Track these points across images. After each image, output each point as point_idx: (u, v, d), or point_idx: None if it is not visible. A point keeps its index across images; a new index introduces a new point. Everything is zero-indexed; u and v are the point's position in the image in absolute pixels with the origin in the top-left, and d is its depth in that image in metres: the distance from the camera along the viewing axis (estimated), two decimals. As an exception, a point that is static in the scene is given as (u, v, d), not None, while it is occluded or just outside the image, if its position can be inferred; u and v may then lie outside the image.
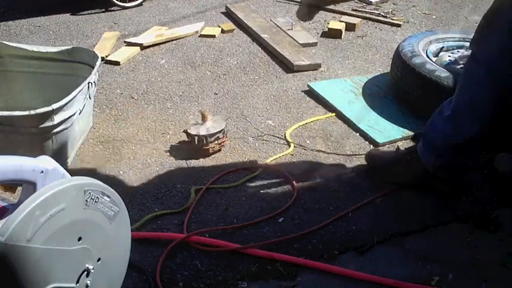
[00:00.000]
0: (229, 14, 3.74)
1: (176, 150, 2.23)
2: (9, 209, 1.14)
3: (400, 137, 2.33)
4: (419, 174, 1.95)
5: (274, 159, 2.18)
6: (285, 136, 2.33)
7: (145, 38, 3.26)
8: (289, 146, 2.26)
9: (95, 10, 3.77)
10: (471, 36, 1.78)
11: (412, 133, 2.36)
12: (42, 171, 1.14)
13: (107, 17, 3.67)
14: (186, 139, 2.23)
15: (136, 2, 3.86)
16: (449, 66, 2.46)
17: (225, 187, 2.01)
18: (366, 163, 2.14)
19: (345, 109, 2.52)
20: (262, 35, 3.29)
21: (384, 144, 2.29)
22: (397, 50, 2.59)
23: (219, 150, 2.21)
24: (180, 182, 2.04)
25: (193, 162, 2.15)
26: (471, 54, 1.79)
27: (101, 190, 1.20)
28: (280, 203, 1.94)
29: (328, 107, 2.58)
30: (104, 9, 3.78)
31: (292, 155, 2.21)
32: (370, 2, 4.08)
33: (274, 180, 2.06)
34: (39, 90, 2.34)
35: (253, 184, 2.04)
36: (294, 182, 2.03)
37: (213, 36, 3.35)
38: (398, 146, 2.18)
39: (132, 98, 2.64)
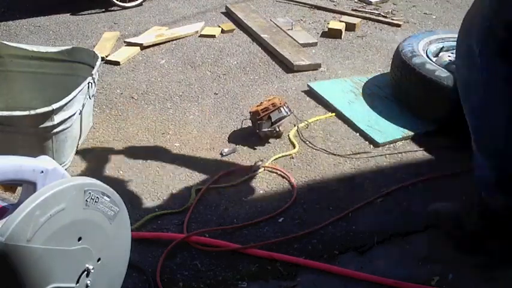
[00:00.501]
0: (229, 14, 3.74)
1: (176, 150, 2.24)
2: (9, 209, 1.14)
3: (400, 137, 2.33)
4: (494, 227, 1.63)
5: (275, 159, 2.17)
6: (288, 137, 2.32)
7: (145, 38, 3.26)
8: (294, 146, 2.26)
9: (95, 10, 3.77)
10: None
11: (412, 133, 2.36)
12: (42, 171, 1.14)
13: (107, 17, 3.67)
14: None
15: (136, 2, 3.86)
16: (449, 66, 2.46)
17: (226, 186, 2.01)
18: (435, 222, 1.82)
19: (345, 109, 2.51)
20: (262, 35, 3.29)
21: (384, 144, 2.29)
22: (397, 50, 2.59)
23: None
24: (180, 182, 2.04)
25: (194, 162, 2.16)
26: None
27: (101, 190, 1.20)
28: (280, 203, 1.94)
29: (328, 107, 2.58)
30: (104, 9, 3.78)
31: (295, 154, 2.21)
32: (370, 2, 4.08)
33: (274, 180, 2.06)
34: (39, 90, 2.34)
35: (253, 184, 2.04)
36: (294, 182, 2.03)
37: (213, 36, 3.35)
38: (465, 197, 1.81)
39: (132, 98, 2.64)
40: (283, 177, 2.08)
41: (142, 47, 3.17)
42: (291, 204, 1.91)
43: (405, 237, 1.78)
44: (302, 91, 2.73)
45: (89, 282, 1.19)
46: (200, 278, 1.61)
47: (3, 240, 0.99)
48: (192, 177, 2.06)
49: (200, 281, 1.60)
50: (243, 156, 2.21)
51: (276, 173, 2.10)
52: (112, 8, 3.80)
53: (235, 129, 2.39)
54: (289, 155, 2.21)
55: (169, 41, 3.26)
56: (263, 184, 2.04)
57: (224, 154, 2.20)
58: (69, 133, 2.03)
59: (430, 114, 2.38)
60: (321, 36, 3.42)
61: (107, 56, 3.02)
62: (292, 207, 1.91)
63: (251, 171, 2.10)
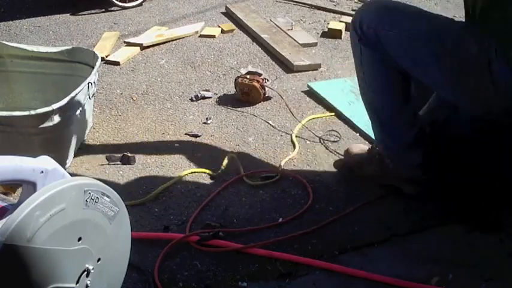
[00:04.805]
0: (229, 14, 3.74)
1: (176, 150, 2.24)
2: (9, 209, 1.14)
3: (400, 137, 2.33)
4: (387, 174, 1.94)
5: (285, 162, 2.15)
6: (291, 138, 2.32)
7: (145, 38, 3.26)
8: (294, 147, 2.26)
9: (95, 10, 3.77)
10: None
11: (412, 133, 2.35)
12: (42, 171, 1.14)
13: (107, 17, 3.67)
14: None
15: (136, 2, 3.86)
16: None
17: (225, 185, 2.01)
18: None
19: (345, 109, 2.51)
20: (262, 35, 3.29)
21: (383, 144, 2.29)
22: (397, 50, 2.58)
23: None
24: (180, 182, 2.04)
25: (195, 163, 2.16)
26: None
27: (100, 190, 1.20)
28: (280, 202, 1.94)
29: (328, 107, 2.58)
30: (104, 9, 3.78)
31: (297, 156, 2.21)
32: (370, 2, 4.07)
33: (275, 181, 2.06)
34: (39, 91, 2.34)
35: (253, 184, 2.04)
36: (307, 184, 2.02)
37: (213, 36, 3.35)
38: (372, 145, 2.11)
39: (132, 98, 2.64)
40: (298, 182, 2.08)
41: (142, 47, 3.17)
42: (306, 209, 1.90)
43: (405, 237, 1.78)
44: (302, 91, 2.73)
45: (89, 282, 1.19)
46: (200, 278, 1.61)
47: (3, 240, 0.99)
48: (192, 177, 2.06)
49: (200, 281, 1.60)
50: (243, 156, 2.21)
51: (289, 177, 2.10)
52: (112, 8, 3.80)
53: (235, 129, 2.39)
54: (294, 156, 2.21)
55: (169, 41, 3.26)
56: (263, 184, 2.04)
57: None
58: (69, 133, 2.03)
59: (430, 114, 2.38)
60: (321, 36, 3.42)
61: (106, 56, 3.02)
62: (292, 207, 1.91)
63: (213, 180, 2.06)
